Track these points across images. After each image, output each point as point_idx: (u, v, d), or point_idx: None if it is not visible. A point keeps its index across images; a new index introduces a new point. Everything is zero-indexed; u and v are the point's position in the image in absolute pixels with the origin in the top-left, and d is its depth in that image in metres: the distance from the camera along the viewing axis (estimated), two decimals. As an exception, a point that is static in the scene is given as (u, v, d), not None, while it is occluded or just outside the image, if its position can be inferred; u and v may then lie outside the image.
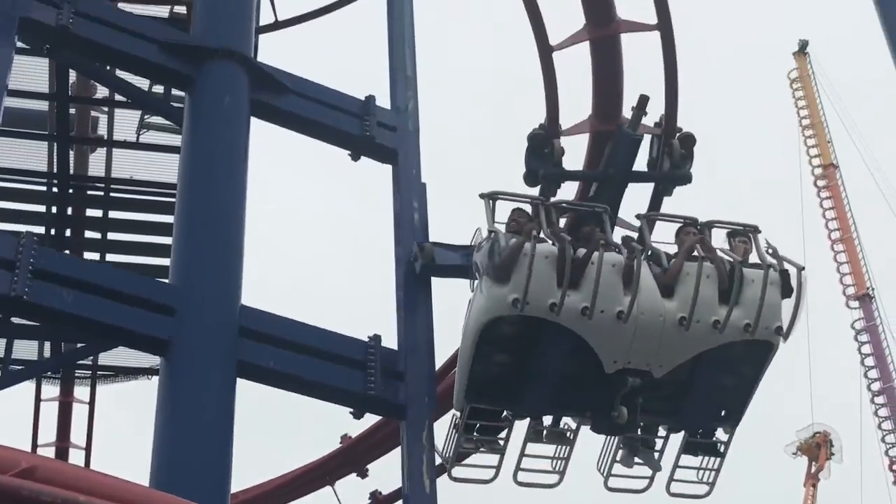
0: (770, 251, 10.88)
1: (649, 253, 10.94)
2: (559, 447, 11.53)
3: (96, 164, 16.72)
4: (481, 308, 10.38)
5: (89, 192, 16.72)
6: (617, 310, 10.26)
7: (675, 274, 10.64)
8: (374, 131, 12.71)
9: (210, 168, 11.58)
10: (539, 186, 12.64)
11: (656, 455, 11.59)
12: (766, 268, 10.56)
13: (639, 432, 11.50)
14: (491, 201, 10.85)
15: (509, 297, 10.18)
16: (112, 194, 16.59)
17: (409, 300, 11.95)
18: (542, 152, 12.87)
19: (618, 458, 11.52)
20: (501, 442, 11.35)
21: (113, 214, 16.74)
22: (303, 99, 12.52)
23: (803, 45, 59.11)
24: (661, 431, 11.78)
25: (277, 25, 18.33)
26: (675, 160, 12.83)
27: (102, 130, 16.50)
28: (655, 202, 13.62)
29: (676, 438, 11.69)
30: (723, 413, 11.49)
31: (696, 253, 10.84)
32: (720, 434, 11.62)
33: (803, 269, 10.77)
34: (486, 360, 10.79)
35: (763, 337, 10.72)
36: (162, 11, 15.52)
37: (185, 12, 14.89)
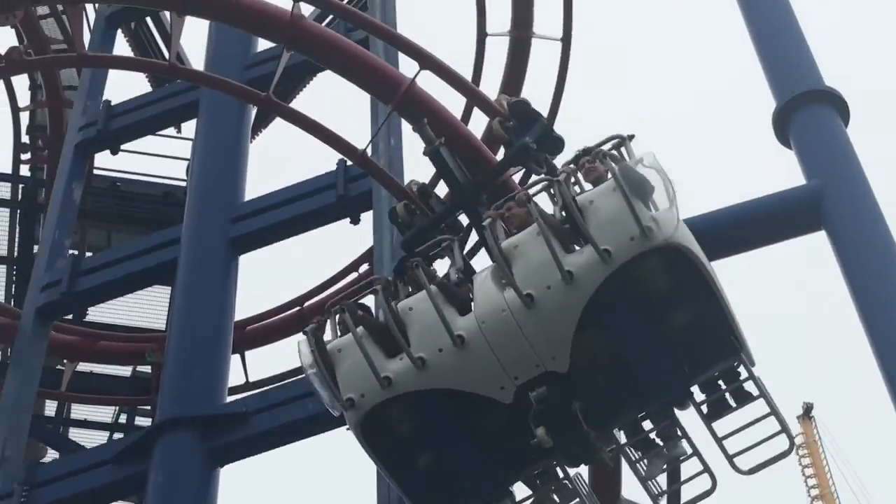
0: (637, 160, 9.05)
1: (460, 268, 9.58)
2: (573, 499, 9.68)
3: None
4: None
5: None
6: (448, 341, 8.72)
7: (501, 260, 8.87)
8: None
9: None
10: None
11: (668, 447, 9.34)
12: (616, 177, 8.70)
13: (624, 436, 9.48)
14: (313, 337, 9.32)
15: (345, 400, 9.04)
16: None
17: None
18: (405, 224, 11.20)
19: (645, 475, 9.42)
20: None
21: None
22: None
23: (808, 409, 55.28)
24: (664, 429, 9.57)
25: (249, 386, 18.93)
26: (514, 132, 10.80)
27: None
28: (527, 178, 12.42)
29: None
30: (714, 349, 9.14)
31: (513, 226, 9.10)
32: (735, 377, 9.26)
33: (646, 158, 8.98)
34: (405, 470, 9.41)
35: (629, 252, 8.66)
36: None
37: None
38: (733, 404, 9.13)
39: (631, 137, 9.48)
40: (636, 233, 8.55)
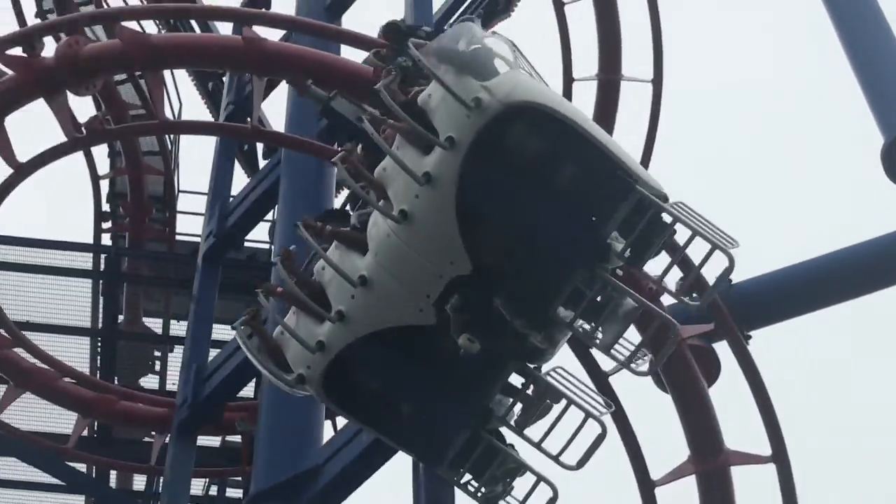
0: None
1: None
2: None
3: None
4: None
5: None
6: (355, 280, 8.61)
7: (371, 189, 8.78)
8: None
9: None
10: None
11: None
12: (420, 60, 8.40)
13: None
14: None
15: (297, 377, 9.15)
16: None
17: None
18: None
19: (605, 343, 8.55)
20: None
21: None
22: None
23: None
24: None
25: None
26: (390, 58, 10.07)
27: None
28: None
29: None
30: (611, 192, 8.33)
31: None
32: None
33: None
34: (388, 422, 9.37)
35: (471, 131, 8.09)
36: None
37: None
38: (654, 240, 8.30)
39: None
40: (466, 109, 8.07)
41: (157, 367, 19.13)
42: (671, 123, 21.10)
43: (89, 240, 20.52)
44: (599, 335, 8.52)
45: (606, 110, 19.91)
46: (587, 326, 8.51)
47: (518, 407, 9.00)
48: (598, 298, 8.45)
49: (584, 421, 8.52)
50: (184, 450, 15.11)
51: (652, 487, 14.11)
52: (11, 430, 16.54)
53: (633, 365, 8.46)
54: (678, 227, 8.07)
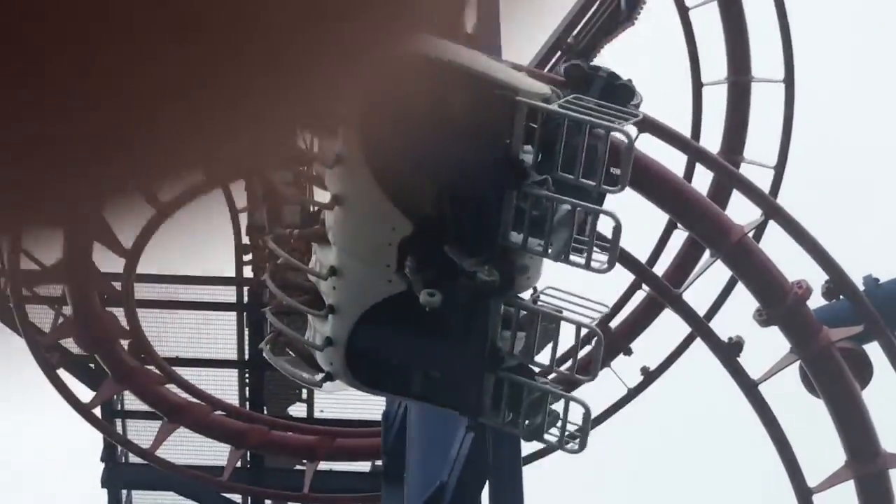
0: None
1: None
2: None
3: None
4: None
5: None
6: (325, 273, 9.45)
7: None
8: None
9: None
10: None
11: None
12: None
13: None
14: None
15: (325, 376, 10.10)
16: None
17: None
18: None
19: (557, 252, 9.10)
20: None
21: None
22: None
23: None
24: None
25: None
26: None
27: None
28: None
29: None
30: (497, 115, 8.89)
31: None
32: None
33: None
34: (420, 388, 10.02)
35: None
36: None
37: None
38: (556, 141, 8.72)
39: None
40: None
41: (304, 395, 19.43)
42: (806, 124, 20.84)
43: (231, 273, 20.98)
44: (551, 248, 8.98)
45: (738, 114, 19.73)
46: (539, 243, 8.96)
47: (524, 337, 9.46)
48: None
49: (578, 332, 9.09)
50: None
51: (809, 494, 13.90)
52: (168, 465, 16.94)
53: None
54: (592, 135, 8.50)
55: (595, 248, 8.75)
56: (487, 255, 8.99)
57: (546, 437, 9.78)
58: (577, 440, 9.70)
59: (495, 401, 9.66)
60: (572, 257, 8.87)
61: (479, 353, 9.53)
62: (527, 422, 9.66)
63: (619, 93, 10.26)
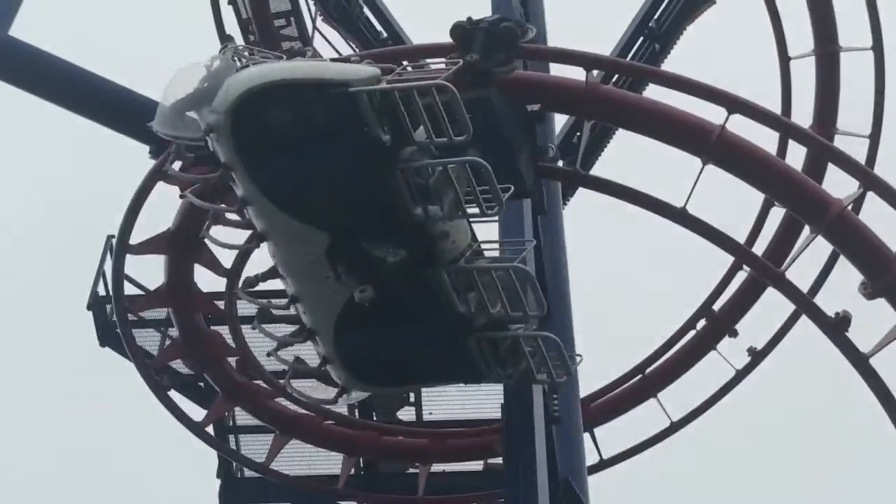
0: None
1: None
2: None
3: None
4: None
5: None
6: (287, 302, 10.44)
7: None
8: None
9: None
10: None
11: None
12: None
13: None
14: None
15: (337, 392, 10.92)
16: None
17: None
18: None
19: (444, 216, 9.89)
20: None
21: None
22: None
23: None
24: None
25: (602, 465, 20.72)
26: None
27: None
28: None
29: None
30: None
31: None
32: None
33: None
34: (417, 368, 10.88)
35: (229, 146, 9.31)
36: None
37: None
38: (399, 113, 9.29)
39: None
40: (211, 137, 9.46)
41: (412, 399, 19.70)
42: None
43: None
44: (445, 211, 9.52)
45: (828, 86, 19.72)
46: (438, 210, 9.51)
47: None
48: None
49: (509, 275, 9.78)
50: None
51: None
52: (283, 477, 17.35)
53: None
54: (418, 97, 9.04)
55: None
56: (403, 237, 9.58)
57: (538, 377, 10.64)
58: (562, 369, 10.69)
59: (485, 361, 10.39)
60: (469, 210, 9.57)
61: (446, 323, 10.14)
62: (514, 369, 10.45)
63: (504, 37, 11.43)
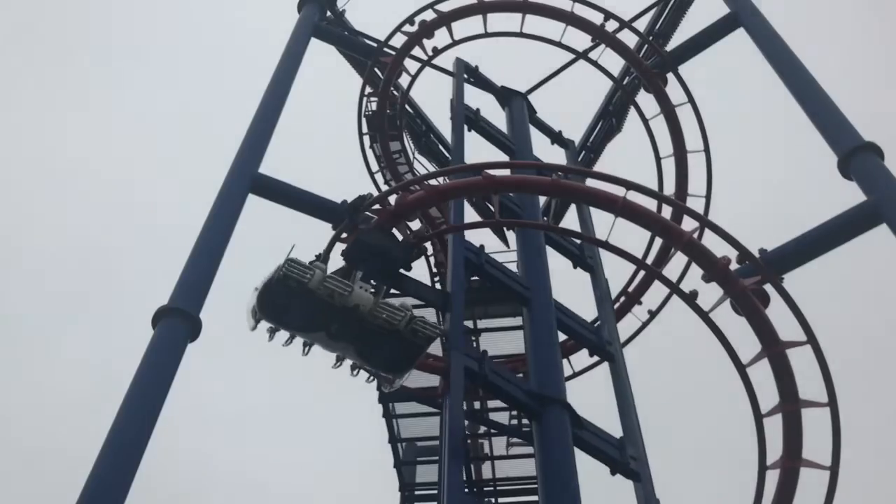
0: None
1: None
2: None
3: (486, 470, 27.65)
4: None
5: (485, 488, 27.24)
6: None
7: None
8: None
9: (554, 468, 17.95)
10: None
11: None
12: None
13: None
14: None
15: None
16: (498, 487, 27.18)
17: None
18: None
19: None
20: None
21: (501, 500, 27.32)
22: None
23: None
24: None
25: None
26: None
27: (487, 450, 27.45)
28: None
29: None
30: None
31: None
32: None
33: None
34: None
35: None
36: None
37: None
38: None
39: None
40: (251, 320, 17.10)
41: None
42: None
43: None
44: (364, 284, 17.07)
45: (680, 182, 28.19)
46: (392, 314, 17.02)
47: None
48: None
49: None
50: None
51: (744, 367, 18.28)
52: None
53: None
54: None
55: None
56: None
57: (421, 341, 17.01)
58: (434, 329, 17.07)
59: (393, 359, 17.35)
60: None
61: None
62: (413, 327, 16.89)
63: (353, 205, 19.61)
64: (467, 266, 21.11)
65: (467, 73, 29.79)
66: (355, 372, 16.83)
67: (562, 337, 22.33)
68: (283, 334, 16.66)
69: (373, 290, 16.78)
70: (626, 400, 20.67)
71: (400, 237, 18.82)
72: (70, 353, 61.51)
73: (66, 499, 15.22)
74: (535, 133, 29.45)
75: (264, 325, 16.56)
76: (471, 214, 29.00)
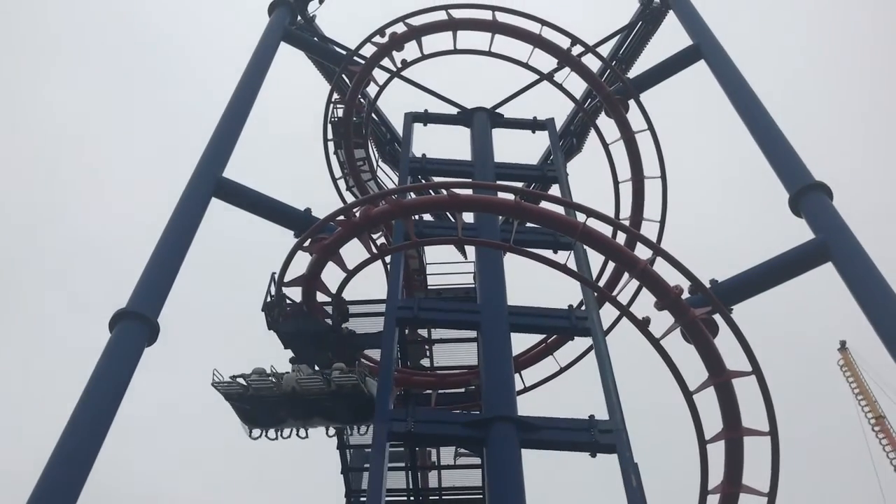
0: None
1: None
2: None
3: (433, 479, 27.49)
4: None
5: (431, 497, 27.30)
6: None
7: None
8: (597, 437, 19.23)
9: (503, 481, 18.37)
10: None
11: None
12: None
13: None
14: None
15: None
16: (444, 496, 27.14)
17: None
18: None
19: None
20: None
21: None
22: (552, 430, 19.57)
23: (843, 343, 77.91)
24: None
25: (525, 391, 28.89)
26: None
27: (434, 460, 27.25)
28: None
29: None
30: None
31: None
32: None
33: None
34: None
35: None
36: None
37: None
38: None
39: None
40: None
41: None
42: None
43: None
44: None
45: (635, 210, 28.28)
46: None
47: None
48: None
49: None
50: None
51: (691, 394, 19.44)
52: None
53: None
54: None
55: None
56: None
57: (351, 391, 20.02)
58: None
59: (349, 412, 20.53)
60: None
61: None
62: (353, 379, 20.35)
63: (270, 305, 21.92)
64: (401, 323, 22.15)
65: (418, 121, 30.70)
66: (331, 434, 20.74)
67: (528, 343, 24.30)
68: (272, 432, 20.05)
69: (296, 369, 19.55)
70: (605, 371, 20.86)
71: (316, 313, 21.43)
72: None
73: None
74: (510, 133, 30.30)
75: (257, 431, 20.45)
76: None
